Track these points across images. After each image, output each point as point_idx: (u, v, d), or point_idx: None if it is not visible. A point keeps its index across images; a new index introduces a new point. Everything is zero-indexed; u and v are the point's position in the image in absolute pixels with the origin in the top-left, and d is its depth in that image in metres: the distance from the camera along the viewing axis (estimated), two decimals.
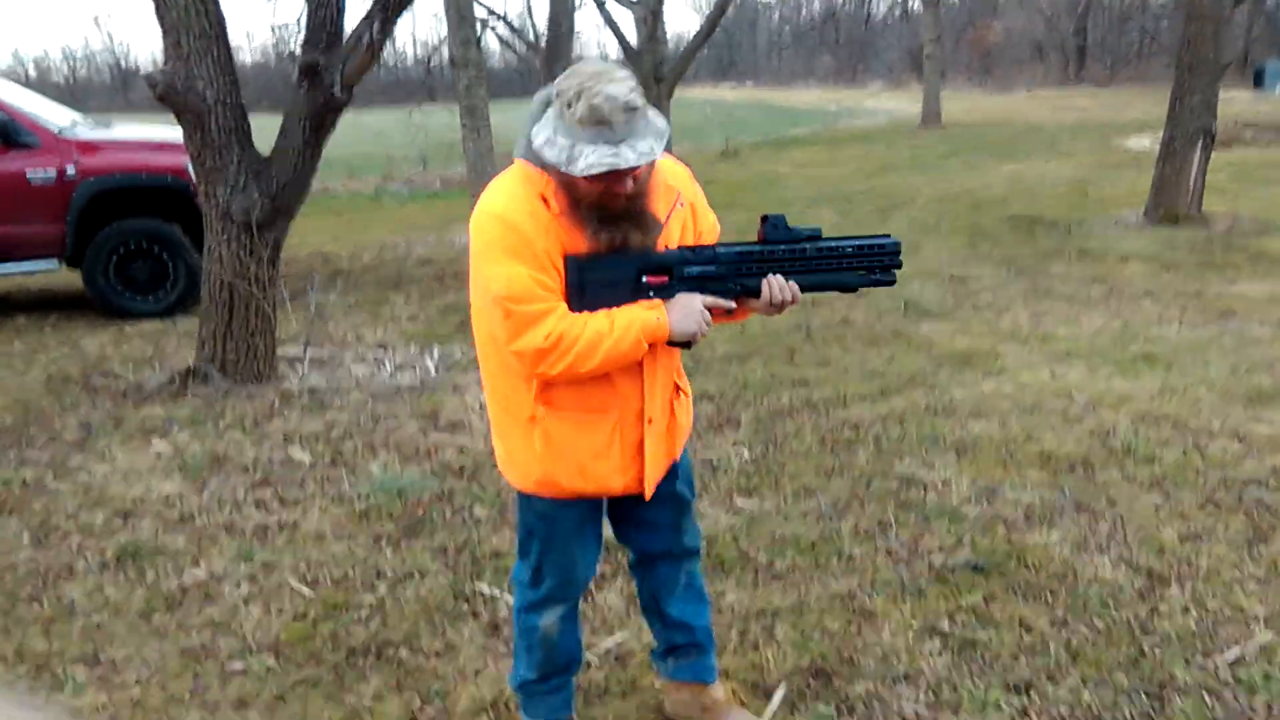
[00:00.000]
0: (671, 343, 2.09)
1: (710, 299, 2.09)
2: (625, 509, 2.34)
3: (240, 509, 3.90)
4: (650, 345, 2.06)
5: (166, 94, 5.11)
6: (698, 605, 2.48)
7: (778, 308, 2.12)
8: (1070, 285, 7.50)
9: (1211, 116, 9.84)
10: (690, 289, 2.09)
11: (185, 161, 6.61)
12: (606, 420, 2.14)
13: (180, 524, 3.78)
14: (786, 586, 3.22)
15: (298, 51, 5.67)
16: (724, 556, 3.40)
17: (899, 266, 2.18)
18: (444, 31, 14.41)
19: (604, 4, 16.08)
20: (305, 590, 3.26)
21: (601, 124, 1.87)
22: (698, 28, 13.97)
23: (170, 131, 7.28)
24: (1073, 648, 2.83)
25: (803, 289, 2.14)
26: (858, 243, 2.16)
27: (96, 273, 7.24)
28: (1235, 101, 22.34)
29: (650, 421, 2.18)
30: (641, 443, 2.19)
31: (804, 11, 52.52)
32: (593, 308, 2.02)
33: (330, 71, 5.16)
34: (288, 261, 8.68)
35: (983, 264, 8.47)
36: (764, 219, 2.17)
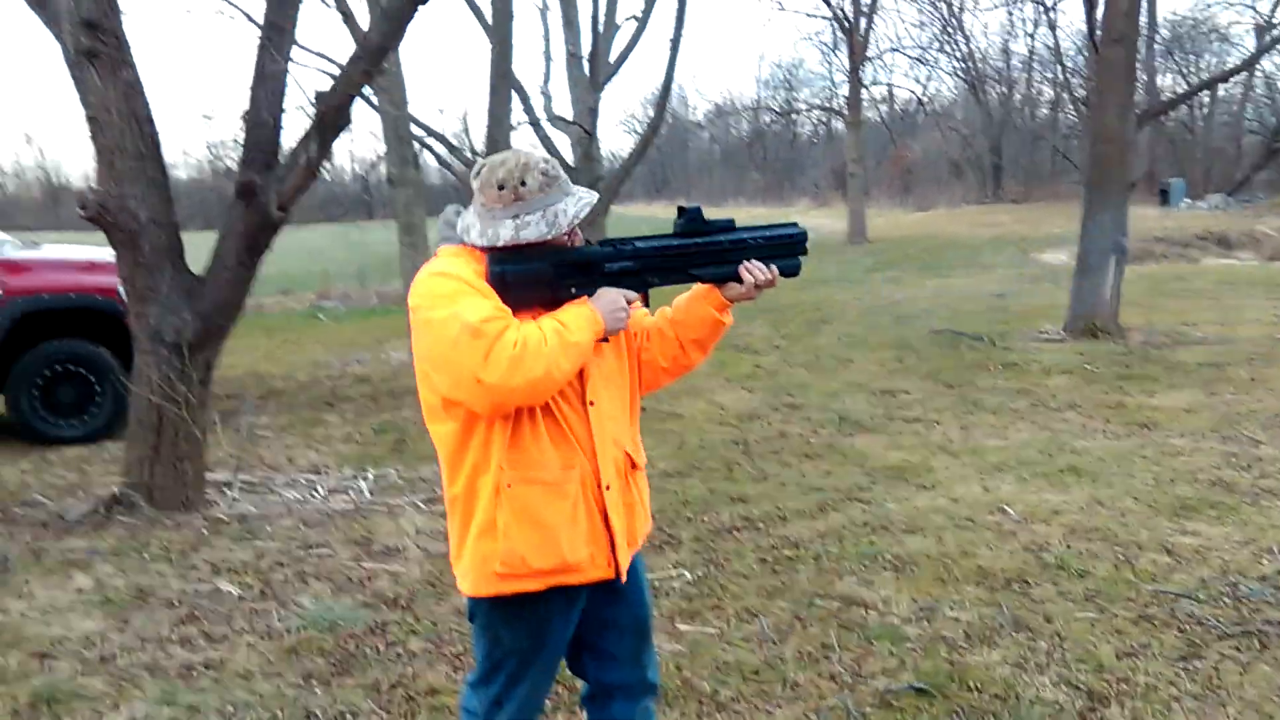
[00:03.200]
0: (601, 339, 2.14)
1: (629, 293, 2.18)
2: (585, 636, 2.29)
3: (164, 647, 3.74)
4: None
5: (98, 215, 5.07)
6: None
7: (759, 289, 2.23)
8: (996, 398, 7.69)
9: (1122, 233, 10.32)
10: (609, 284, 2.17)
11: (115, 282, 6.53)
12: (571, 482, 2.11)
13: (101, 665, 3.61)
14: (731, 717, 3.17)
15: (234, 168, 5.69)
16: (668, 686, 3.33)
17: (805, 254, 2.29)
18: (382, 148, 14.62)
19: (539, 125, 16.50)
20: None
21: (554, 182, 2.12)
22: (631, 147, 14.38)
23: (100, 251, 7.21)
24: None
25: (717, 280, 2.25)
26: (768, 233, 2.27)
27: (20, 397, 7.03)
28: (1145, 218, 23.47)
29: (608, 488, 2.16)
30: (605, 512, 2.16)
31: (732, 132, 54.43)
32: (515, 304, 2.06)
33: (267, 191, 5.17)
34: (219, 382, 8.53)
35: (910, 377, 8.66)
36: (680, 210, 2.26)
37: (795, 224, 2.29)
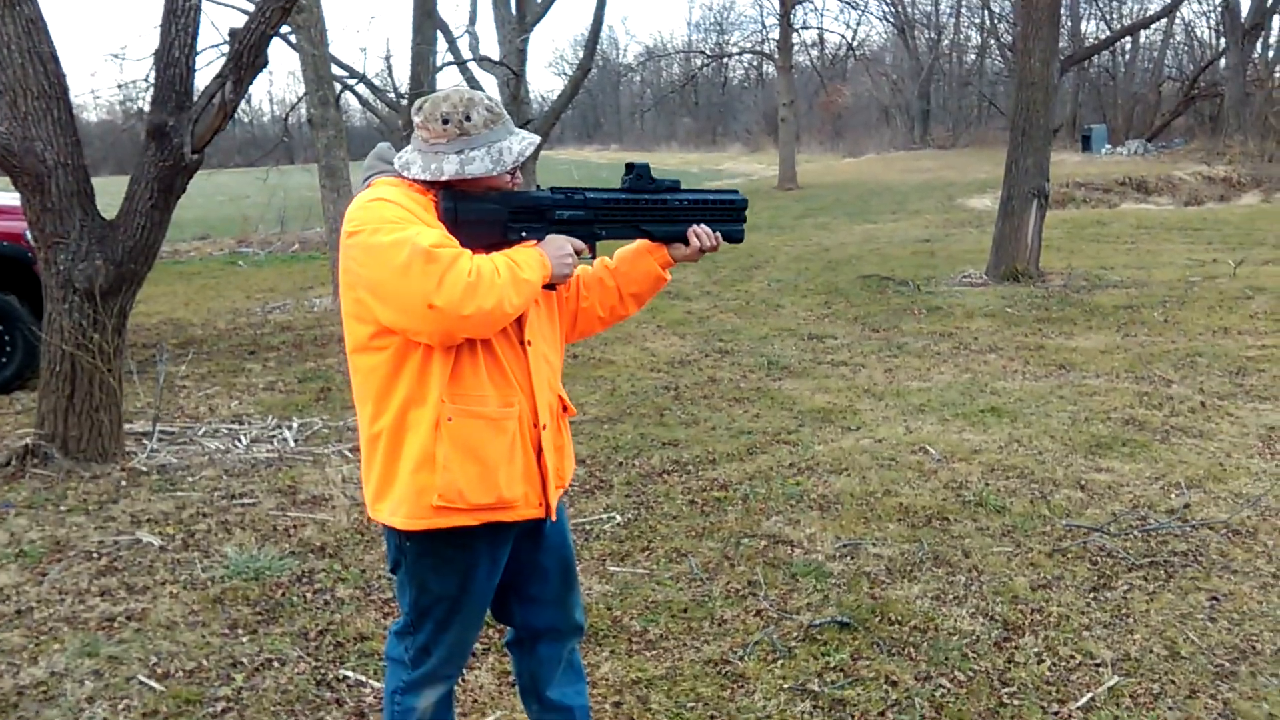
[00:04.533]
0: (547, 285, 2.15)
1: (577, 242, 2.20)
2: (511, 582, 2.29)
3: (84, 599, 3.66)
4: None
5: (2, 157, 4.86)
6: (577, 684, 2.44)
7: (703, 253, 2.32)
8: (920, 341, 7.83)
9: (1044, 178, 10.51)
10: (559, 232, 2.19)
11: (22, 227, 6.28)
12: (510, 419, 2.10)
13: (17, 618, 3.52)
14: (660, 654, 3.22)
15: (146, 109, 5.49)
16: (599, 626, 3.37)
17: (745, 221, 2.39)
18: (301, 89, 14.18)
19: (465, 65, 16.14)
20: (155, 685, 3.07)
21: (498, 119, 2.10)
22: (561, 90, 14.18)
23: (6, 196, 6.91)
24: (936, 701, 2.91)
25: (662, 238, 2.32)
26: (713, 197, 2.35)
27: None
28: (1066, 163, 23.94)
29: (544, 427, 2.17)
30: (539, 449, 2.17)
31: (664, 75, 53.95)
32: (463, 242, 2.03)
33: (180, 132, 5.00)
34: (135, 330, 8.31)
35: (838, 322, 8.77)
36: (629, 166, 2.29)
37: (737, 191, 2.39)
